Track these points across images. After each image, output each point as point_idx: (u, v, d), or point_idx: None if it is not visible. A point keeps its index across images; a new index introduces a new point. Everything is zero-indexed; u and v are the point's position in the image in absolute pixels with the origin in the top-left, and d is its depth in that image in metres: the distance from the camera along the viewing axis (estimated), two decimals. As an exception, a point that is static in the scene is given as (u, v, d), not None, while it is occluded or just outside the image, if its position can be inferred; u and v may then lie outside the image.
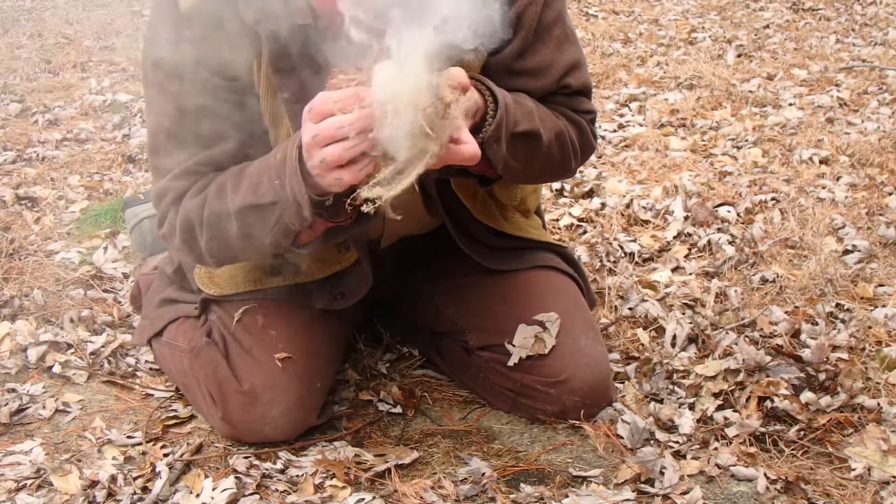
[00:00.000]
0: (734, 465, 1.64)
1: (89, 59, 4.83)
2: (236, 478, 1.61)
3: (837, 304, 2.18)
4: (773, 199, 2.84)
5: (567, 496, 1.56)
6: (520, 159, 1.56)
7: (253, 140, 1.57)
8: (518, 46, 1.60)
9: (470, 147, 1.35)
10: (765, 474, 1.60)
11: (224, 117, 1.55)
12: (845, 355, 1.90)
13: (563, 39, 1.65)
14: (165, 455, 1.69)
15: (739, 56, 4.74)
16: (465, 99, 1.36)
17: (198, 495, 1.57)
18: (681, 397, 1.85)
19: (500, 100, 1.48)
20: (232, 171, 1.54)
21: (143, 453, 1.70)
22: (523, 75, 1.62)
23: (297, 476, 1.63)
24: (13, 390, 1.91)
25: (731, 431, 1.72)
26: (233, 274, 1.78)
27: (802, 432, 1.72)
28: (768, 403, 1.77)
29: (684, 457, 1.67)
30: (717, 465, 1.64)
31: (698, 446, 1.70)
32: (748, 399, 1.80)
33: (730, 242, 2.56)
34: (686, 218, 2.73)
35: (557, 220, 2.76)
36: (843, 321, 2.10)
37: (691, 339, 2.04)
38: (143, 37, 1.66)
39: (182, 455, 1.68)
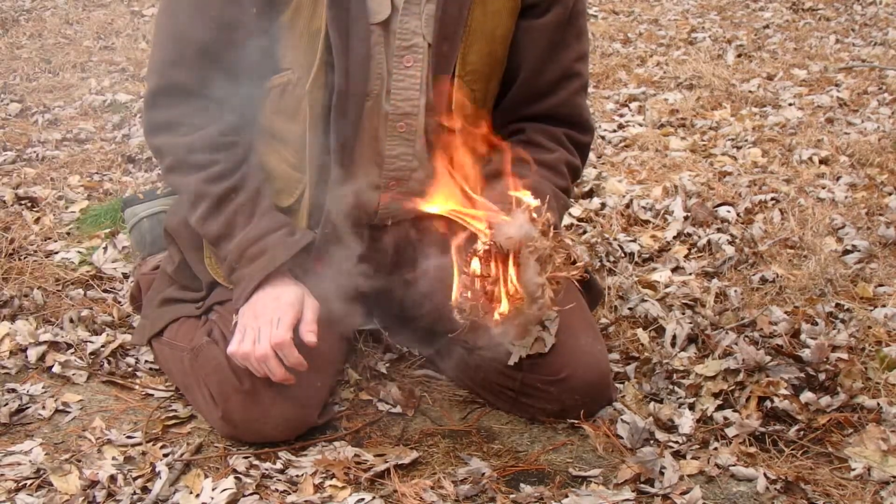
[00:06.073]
0: (734, 465, 1.64)
1: (89, 59, 4.83)
2: (236, 478, 1.61)
3: (837, 304, 2.18)
4: (772, 199, 2.84)
5: (567, 496, 1.56)
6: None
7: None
8: (554, 20, 1.73)
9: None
10: (765, 474, 1.60)
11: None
12: (845, 355, 1.90)
13: (583, 32, 1.82)
14: (165, 455, 1.69)
15: (739, 56, 4.74)
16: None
17: (197, 495, 1.57)
18: (681, 397, 1.85)
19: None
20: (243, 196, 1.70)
21: (143, 453, 1.70)
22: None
23: (297, 476, 1.63)
24: (13, 390, 1.91)
25: (730, 431, 1.73)
26: None
27: (802, 432, 1.72)
28: (768, 403, 1.77)
29: (684, 457, 1.67)
30: (717, 465, 1.64)
31: (698, 446, 1.70)
32: (748, 399, 1.80)
33: (730, 242, 2.56)
34: (686, 218, 2.73)
35: (557, 220, 2.76)
36: (843, 321, 2.10)
37: (691, 339, 2.04)
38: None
39: (182, 455, 1.68)
